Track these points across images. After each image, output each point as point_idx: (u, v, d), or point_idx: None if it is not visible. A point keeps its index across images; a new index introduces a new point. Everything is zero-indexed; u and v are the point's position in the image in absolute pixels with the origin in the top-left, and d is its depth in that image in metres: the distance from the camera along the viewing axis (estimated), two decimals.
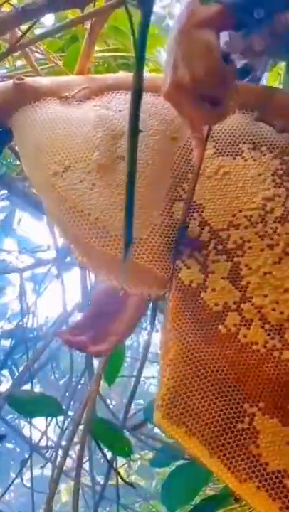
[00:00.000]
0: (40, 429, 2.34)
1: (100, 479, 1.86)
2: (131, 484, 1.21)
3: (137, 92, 0.47)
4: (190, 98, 0.76)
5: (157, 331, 1.49)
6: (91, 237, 0.81)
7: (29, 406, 1.27)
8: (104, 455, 1.21)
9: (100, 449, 1.14)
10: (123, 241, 0.68)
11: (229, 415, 0.73)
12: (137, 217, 0.82)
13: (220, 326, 0.78)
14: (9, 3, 0.97)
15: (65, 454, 1.15)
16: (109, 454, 1.40)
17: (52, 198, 0.84)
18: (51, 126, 0.88)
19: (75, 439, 1.43)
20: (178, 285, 0.80)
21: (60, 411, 1.36)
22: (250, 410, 0.73)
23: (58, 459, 1.53)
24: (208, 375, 0.74)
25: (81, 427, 1.13)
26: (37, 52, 1.21)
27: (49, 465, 1.92)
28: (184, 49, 0.76)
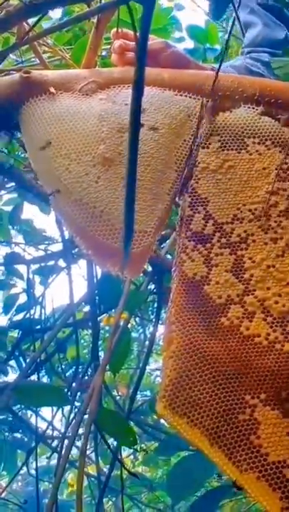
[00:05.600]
0: (48, 419, 2.36)
1: (107, 469, 1.87)
2: (135, 475, 1.22)
3: (138, 86, 0.48)
4: None
5: (163, 323, 1.50)
6: (96, 229, 0.82)
7: (35, 396, 1.28)
8: (108, 445, 1.22)
9: (104, 439, 1.15)
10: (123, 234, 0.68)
11: (230, 406, 0.73)
12: (142, 211, 0.83)
13: (223, 319, 0.79)
14: None
15: (70, 444, 1.17)
16: (114, 445, 1.42)
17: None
18: (57, 120, 0.89)
19: (81, 430, 1.45)
20: (181, 278, 0.81)
21: (66, 401, 1.37)
22: (252, 402, 0.74)
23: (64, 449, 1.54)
24: (210, 366, 0.75)
25: (86, 416, 1.15)
26: (44, 45, 1.21)
27: (56, 455, 1.94)
28: None
